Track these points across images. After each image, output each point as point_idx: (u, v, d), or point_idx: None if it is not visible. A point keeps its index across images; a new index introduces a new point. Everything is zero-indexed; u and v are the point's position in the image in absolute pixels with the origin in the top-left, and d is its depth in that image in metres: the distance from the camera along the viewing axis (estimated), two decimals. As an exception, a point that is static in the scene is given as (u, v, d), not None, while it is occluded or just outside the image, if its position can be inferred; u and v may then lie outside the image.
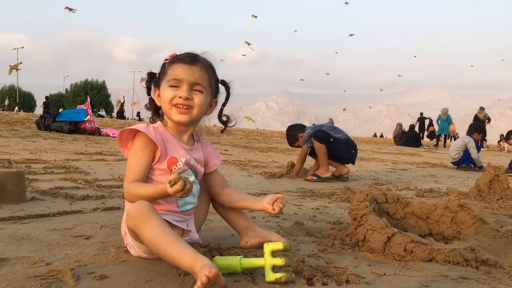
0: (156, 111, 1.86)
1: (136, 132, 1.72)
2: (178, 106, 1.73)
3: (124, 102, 29.97)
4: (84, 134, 9.95)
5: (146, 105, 1.90)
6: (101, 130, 10.47)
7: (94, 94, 59.47)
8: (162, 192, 1.57)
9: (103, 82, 64.76)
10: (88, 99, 11.13)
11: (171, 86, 1.73)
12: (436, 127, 20.13)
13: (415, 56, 60.51)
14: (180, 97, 1.71)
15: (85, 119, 10.15)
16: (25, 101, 62.25)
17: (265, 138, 16.03)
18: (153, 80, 1.83)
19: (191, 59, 1.75)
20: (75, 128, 10.02)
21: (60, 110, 11.31)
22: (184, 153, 1.78)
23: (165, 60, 1.78)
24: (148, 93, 1.85)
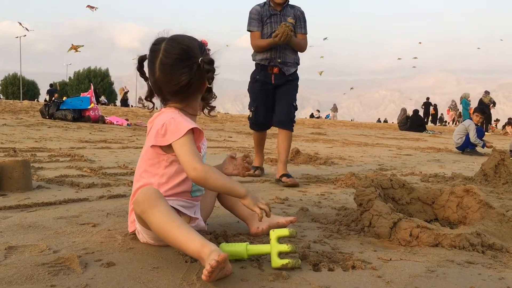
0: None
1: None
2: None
3: (128, 91, 29.88)
4: (88, 122, 9.95)
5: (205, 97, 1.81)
6: (105, 118, 10.48)
7: (98, 82, 59.27)
8: None
9: (106, 70, 64.56)
10: (92, 87, 11.10)
11: None
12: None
13: (420, 43, 59.43)
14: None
15: (89, 107, 10.14)
16: (29, 89, 62.29)
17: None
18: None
19: None
20: (79, 116, 10.02)
21: (64, 98, 11.29)
22: (204, 137, 1.80)
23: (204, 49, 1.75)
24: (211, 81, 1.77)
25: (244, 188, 1.65)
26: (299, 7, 3.71)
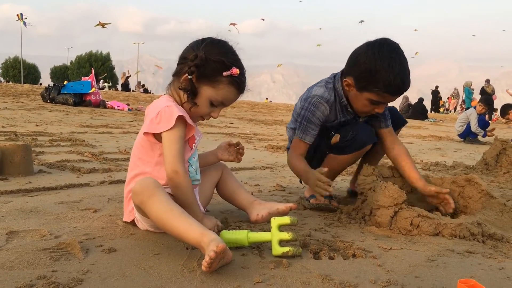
0: (194, 94, 1.70)
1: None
2: (204, 118, 1.78)
3: (130, 76, 29.68)
4: (89, 106, 9.94)
5: (181, 85, 1.70)
6: (106, 102, 10.45)
7: (99, 66, 59.00)
8: None
9: (108, 54, 64.20)
10: (93, 71, 11.06)
11: (212, 103, 1.73)
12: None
13: (415, 30, 58.16)
14: (212, 117, 1.77)
15: (90, 91, 10.12)
16: (30, 73, 62.10)
17: (270, 110, 15.97)
18: (200, 70, 1.67)
19: (243, 89, 1.77)
20: (80, 100, 10.00)
21: (65, 82, 11.26)
22: (197, 130, 1.80)
23: (226, 71, 1.67)
24: (190, 73, 1.67)
25: (201, 213, 1.73)
26: None
